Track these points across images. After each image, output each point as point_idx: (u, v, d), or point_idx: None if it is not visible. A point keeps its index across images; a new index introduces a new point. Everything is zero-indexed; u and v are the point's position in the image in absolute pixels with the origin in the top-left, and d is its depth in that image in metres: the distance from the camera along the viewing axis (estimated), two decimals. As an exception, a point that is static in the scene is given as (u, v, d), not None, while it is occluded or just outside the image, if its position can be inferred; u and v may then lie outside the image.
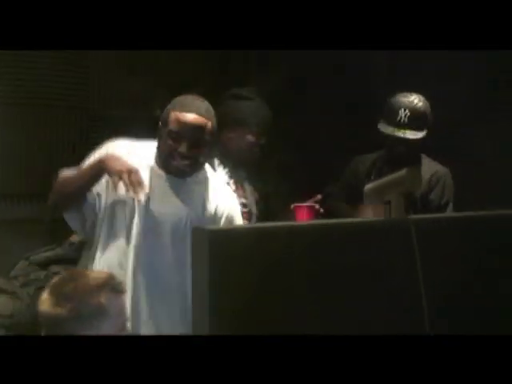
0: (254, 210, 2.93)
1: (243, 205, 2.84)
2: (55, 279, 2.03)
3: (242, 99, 2.91)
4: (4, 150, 4.34)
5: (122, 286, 2.05)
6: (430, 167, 3.07)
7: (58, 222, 4.48)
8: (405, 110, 2.94)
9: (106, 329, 1.89)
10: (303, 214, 2.80)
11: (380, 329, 1.51)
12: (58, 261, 4.18)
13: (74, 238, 4.28)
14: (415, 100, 2.98)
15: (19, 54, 4.23)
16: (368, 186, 1.70)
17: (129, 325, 2.20)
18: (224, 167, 2.85)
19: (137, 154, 2.47)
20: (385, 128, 2.98)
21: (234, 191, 2.78)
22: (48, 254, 4.23)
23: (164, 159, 2.42)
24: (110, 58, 4.63)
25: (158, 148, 2.44)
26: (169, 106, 2.46)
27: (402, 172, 1.64)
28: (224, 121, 2.70)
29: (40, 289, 4.05)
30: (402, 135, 2.93)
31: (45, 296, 1.94)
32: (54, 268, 4.15)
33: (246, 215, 2.84)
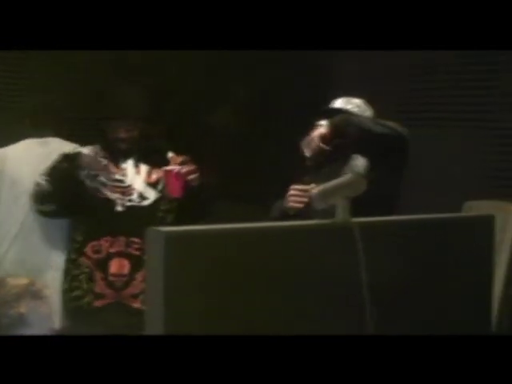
0: (141, 187, 3.09)
1: (118, 180, 3.08)
2: None
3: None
4: None
5: (44, 291, 1.98)
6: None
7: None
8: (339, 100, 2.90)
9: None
10: (169, 180, 2.96)
11: (328, 330, 1.54)
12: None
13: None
14: (355, 101, 2.92)
15: None
16: (315, 190, 1.72)
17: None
18: None
19: None
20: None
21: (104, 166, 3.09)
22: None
23: None
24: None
25: None
26: None
27: (349, 175, 1.67)
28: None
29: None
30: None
31: None
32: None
33: (120, 189, 3.06)
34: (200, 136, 4.76)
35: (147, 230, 1.37)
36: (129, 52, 3.05)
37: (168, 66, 4.70)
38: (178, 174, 2.94)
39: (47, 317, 2.03)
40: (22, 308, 1.83)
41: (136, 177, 3.11)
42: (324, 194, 1.70)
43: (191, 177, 2.98)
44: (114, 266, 2.97)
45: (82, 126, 3.88)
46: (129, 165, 3.14)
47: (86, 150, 3.12)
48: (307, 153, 2.67)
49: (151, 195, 3.10)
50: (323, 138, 2.62)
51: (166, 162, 3.12)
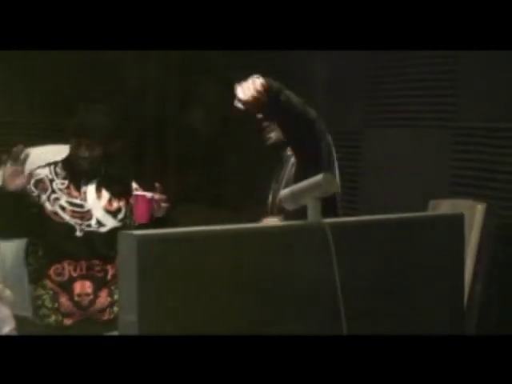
0: (99, 213, 3.07)
1: (77, 205, 3.05)
2: None
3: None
4: None
5: (4, 292, 1.93)
6: None
7: None
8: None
9: None
10: (140, 205, 2.92)
11: (301, 331, 1.54)
12: None
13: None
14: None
15: None
16: (285, 191, 1.72)
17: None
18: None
19: None
20: None
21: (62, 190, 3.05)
22: None
23: None
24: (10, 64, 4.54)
25: None
26: None
27: (319, 176, 1.67)
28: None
29: None
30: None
31: None
32: None
33: (79, 214, 3.04)
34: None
35: (119, 233, 1.36)
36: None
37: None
38: (150, 200, 2.92)
39: (7, 319, 1.99)
40: None
41: (96, 202, 3.09)
42: (294, 195, 1.71)
43: (162, 205, 2.96)
44: (78, 288, 2.99)
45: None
46: (90, 188, 3.11)
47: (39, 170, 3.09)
48: (241, 97, 2.46)
49: (109, 223, 3.08)
50: (258, 93, 2.44)
51: (129, 192, 3.13)
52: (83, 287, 2.98)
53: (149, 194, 2.94)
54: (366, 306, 1.63)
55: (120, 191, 3.15)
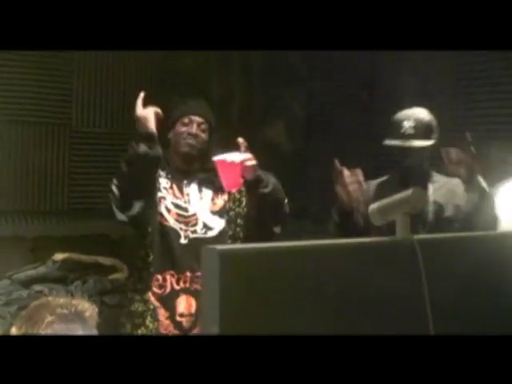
0: (205, 216, 2.81)
1: (181, 208, 2.79)
2: None
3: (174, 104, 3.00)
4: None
5: (86, 313, 1.89)
6: (444, 181, 2.96)
7: (41, 239, 4.48)
8: (408, 121, 2.86)
9: None
10: (229, 172, 2.61)
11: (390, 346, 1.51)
12: (40, 279, 4.13)
13: (57, 257, 4.25)
14: (417, 111, 2.92)
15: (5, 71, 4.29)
16: (373, 206, 1.69)
17: None
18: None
19: None
20: (390, 142, 2.88)
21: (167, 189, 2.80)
22: (31, 272, 4.18)
23: None
24: (92, 76, 4.72)
25: None
26: None
27: (408, 191, 1.63)
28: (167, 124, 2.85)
29: (22, 308, 4.01)
30: (408, 144, 2.83)
31: None
32: (37, 287, 4.11)
33: (183, 218, 2.78)
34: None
35: (202, 248, 1.36)
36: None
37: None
38: (239, 164, 2.58)
39: None
40: (63, 329, 1.81)
41: (200, 204, 2.82)
42: (383, 210, 1.67)
43: (251, 164, 2.63)
44: (182, 305, 2.69)
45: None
46: (192, 190, 2.85)
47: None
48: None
49: (216, 225, 2.81)
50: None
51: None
52: (188, 306, 2.69)
53: (236, 158, 2.59)
54: (454, 324, 1.58)
55: (220, 185, 2.78)
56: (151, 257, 2.75)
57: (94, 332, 1.86)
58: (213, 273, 1.33)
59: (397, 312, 1.56)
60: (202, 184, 2.87)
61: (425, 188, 2.88)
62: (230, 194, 2.86)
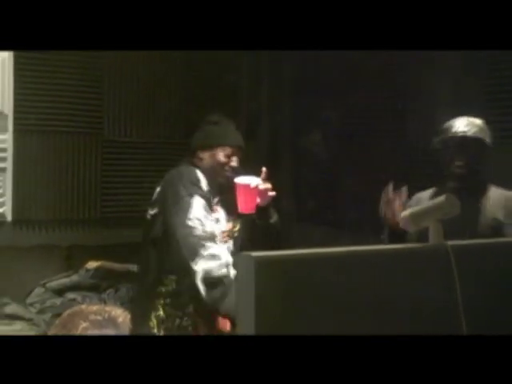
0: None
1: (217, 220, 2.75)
2: None
3: (211, 124, 2.88)
4: (19, 176, 4.38)
5: (119, 319, 1.91)
6: (501, 193, 2.71)
7: (74, 248, 4.54)
8: (460, 121, 2.68)
9: None
10: (243, 195, 2.64)
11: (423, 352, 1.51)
12: (74, 287, 4.19)
13: (91, 265, 4.30)
14: (469, 117, 2.71)
15: (39, 82, 4.37)
16: (405, 213, 1.69)
17: None
18: None
19: None
20: (441, 140, 2.70)
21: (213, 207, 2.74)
22: (64, 280, 4.24)
23: None
24: (123, 85, 4.78)
25: None
26: None
27: (441, 198, 1.64)
28: (201, 144, 2.81)
29: (56, 316, 4.07)
30: (462, 134, 2.62)
31: None
32: (70, 295, 4.16)
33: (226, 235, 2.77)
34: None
35: (237, 255, 1.38)
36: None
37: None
38: (253, 189, 2.62)
39: None
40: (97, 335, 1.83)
41: (224, 223, 2.81)
42: (416, 217, 1.68)
43: (268, 194, 2.65)
44: (221, 323, 2.55)
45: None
46: (220, 209, 2.83)
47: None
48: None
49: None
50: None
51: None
52: (224, 324, 2.52)
53: (253, 183, 2.63)
54: (488, 330, 1.57)
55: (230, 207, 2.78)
56: None
57: None
58: (248, 279, 1.35)
59: (430, 317, 1.57)
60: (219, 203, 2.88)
61: (479, 201, 2.69)
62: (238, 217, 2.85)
